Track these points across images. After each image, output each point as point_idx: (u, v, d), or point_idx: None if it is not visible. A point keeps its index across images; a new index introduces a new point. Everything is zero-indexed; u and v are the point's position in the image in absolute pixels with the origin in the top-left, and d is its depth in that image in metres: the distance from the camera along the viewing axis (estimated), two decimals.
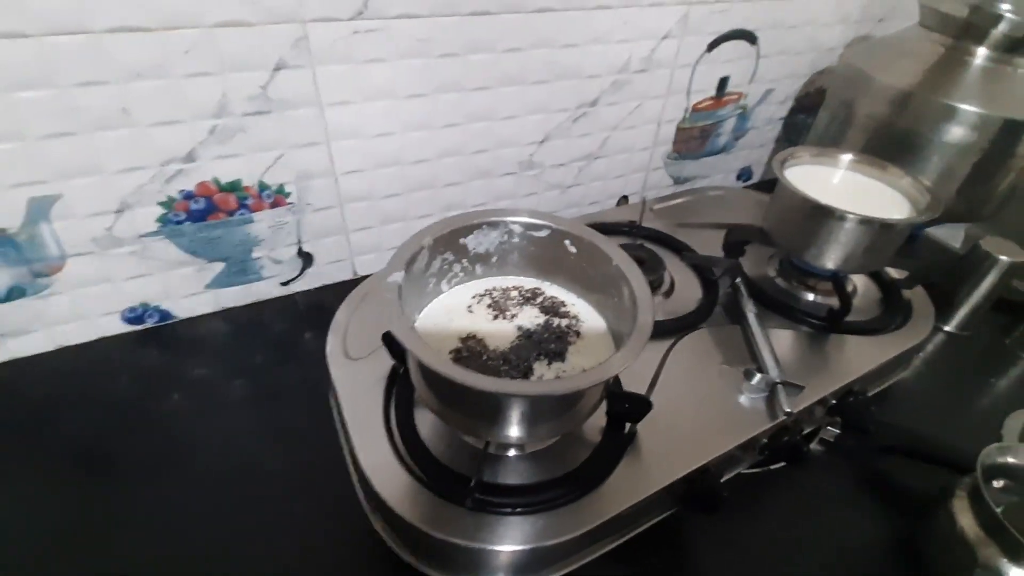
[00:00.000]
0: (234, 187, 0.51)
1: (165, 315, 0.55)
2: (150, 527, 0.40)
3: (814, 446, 0.48)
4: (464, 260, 0.41)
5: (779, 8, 0.68)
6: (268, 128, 0.49)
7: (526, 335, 0.39)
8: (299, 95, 0.48)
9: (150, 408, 0.48)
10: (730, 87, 0.72)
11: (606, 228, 0.63)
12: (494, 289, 0.43)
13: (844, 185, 0.56)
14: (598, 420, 0.40)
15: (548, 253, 0.42)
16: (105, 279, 0.50)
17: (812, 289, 0.56)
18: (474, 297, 0.42)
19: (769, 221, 0.56)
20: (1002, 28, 0.58)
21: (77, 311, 0.51)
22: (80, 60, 0.40)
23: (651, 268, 0.54)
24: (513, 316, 0.40)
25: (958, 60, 0.60)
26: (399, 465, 0.38)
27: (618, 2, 0.57)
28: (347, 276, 0.63)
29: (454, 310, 0.40)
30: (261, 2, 0.43)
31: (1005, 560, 0.35)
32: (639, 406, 0.38)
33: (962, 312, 0.61)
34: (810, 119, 0.84)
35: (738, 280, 0.54)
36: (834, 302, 0.54)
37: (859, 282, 0.59)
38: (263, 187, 0.52)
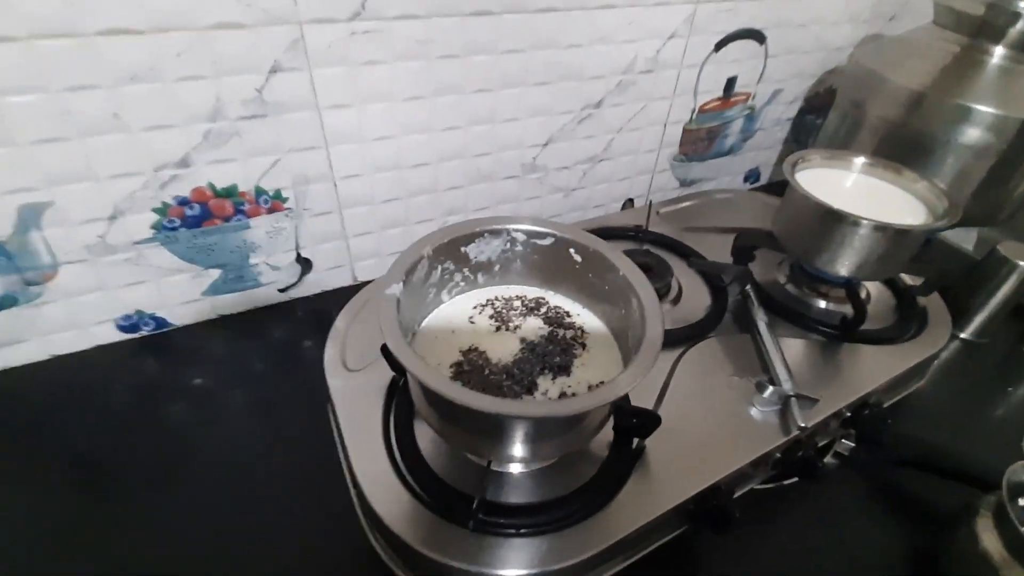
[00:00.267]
0: (230, 192, 0.50)
1: (161, 323, 0.54)
2: (145, 540, 0.39)
3: (828, 459, 0.47)
4: (465, 269, 0.40)
5: (787, 6, 0.67)
6: (264, 132, 0.48)
7: (530, 347, 0.37)
8: (296, 98, 0.47)
9: (145, 418, 0.47)
10: (738, 87, 0.71)
11: (611, 232, 0.61)
12: (496, 298, 0.41)
13: (857, 189, 0.54)
14: (605, 434, 0.38)
15: (552, 261, 0.40)
16: (99, 287, 0.49)
17: (824, 296, 0.55)
18: (476, 307, 0.41)
19: (779, 226, 0.54)
20: (1020, 27, 0.56)
21: (71, 320, 0.50)
22: (70, 63, 0.39)
23: (658, 275, 0.52)
24: (516, 327, 0.39)
25: (974, 60, 0.59)
26: (398, 482, 0.36)
27: (623, 1, 0.55)
28: (347, 282, 0.62)
29: (455, 321, 0.39)
30: (256, 3, 0.42)
31: None
32: (648, 421, 0.37)
33: (979, 319, 0.60)
34: (819, 120, 0.83)
35: (748, 287, 0.52)
36: (847, 309, 0.52)
37: (872, 288, 0.57)
38: (260, 192, 0.51)
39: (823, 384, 0.46)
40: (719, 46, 0.65)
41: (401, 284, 0.33)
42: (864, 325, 0.49)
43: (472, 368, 0.35)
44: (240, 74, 0.44)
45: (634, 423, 0.37)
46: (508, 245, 0.40)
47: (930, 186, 0.51)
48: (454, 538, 0.33)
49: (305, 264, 0.58)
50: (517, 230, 0.39)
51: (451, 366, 0.36)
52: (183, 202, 0.48)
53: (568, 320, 0.40)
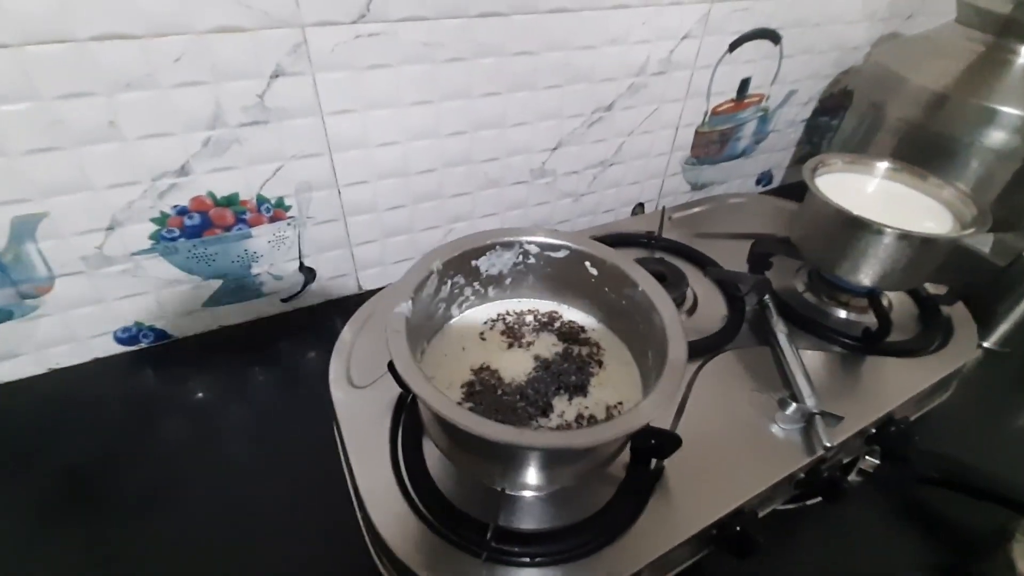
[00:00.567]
0: (230, 201, 0.48)
1: (160, 335, 0.53)
2: (143, 559, 0.38)
3: (852, 476, 0.45)
4: (476, 283, 0.38)
5: (803, 5, 0.65)
6: (266, 139, 0.46)
7: (544, 365, 0.36)
8: (298, 104, 0.45)
9: (144, 433, 0.46)
10: (751, 89, 0.69)
11: (623, 239, 0.59)
12: (507, 313, 0.40)
13: (880, 195, 0.52)
14: (622, 455, 0.37)
15: (566, 275, 0.39)
16: (96, 299, 0.48)
17: (844, 305, 0.53)
18: (486, 322, 0.39)
19: (798, 233, 0.53)
20: None
21: (68, 333, 0.49)
22: (63, 70, 0.37)
23: (673, 284, 0.50)
24: (529, 344, 0.37)
25: (999, 59, 0.57)
26: (407, 506, 0.35)
27: (636, 1, 0.54)
28: (351, 291, 0.60)
29: (466, 338, 0.37)
30: (256, 6, 0.40)
31: None
32: (667, 442, 0.35)
33: (1003, 327, 0.58)
34: (833, 121, 0.81)
35: (767, 297, 0.50)
36: (869, 319, 0.51)
37: (894, 297, 0.55)
38: (261, 200, 0.49)
39: (846, 399, 0.44)
40: (733, 46, 0.63)
41: (410, 303, 0.31)
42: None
43: (484, 388, 0.34)
44: (240, 79, 0.42)
45: (653, 444, 0.36)
46: (520, 258, 0.38)
47: (957, 192, 0.49)
48: (465, 568, 0.32)
49: (308, 273, 0.56)
50: (530, 242, 0.37)
51: (462, 386, 0.34)
52: (182, 212, 0.47)
53: (583, 336, 0.38)
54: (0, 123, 0.37)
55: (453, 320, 0.39)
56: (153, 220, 0.46)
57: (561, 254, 0.38)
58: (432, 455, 0.38)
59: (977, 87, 0.56)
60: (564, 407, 0.33)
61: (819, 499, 0.42)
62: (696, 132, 0.69)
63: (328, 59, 0.44)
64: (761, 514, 0.40)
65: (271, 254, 0.53)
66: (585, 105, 0.59)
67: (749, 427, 0.41)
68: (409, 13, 0.45)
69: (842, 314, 0.53)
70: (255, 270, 0.53)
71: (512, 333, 0.38)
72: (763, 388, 0.44)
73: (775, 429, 0.41)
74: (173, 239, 0.48)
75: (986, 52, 0.57)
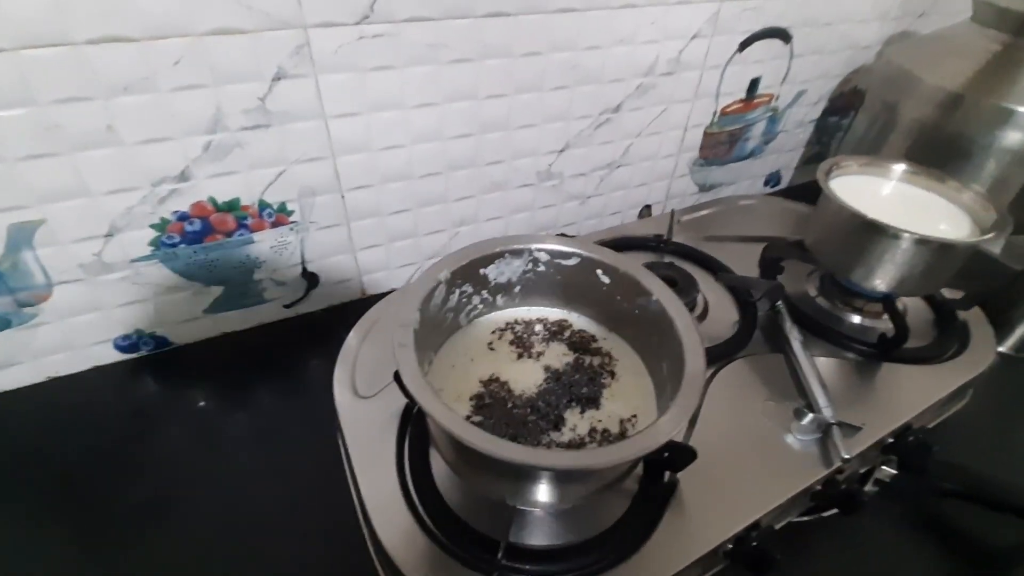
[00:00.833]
0: (232, 206, 0.47)
1: (161, 342, 0.52)
2: (143, 571, 0.37)
3: (868, 487, 0.44)
4: (484, 291, 0.37)
5: (813, 4, 0.63)
6: (268, 143, 0.45)
7: (554, 376, 0.35)
8: (301, 107, 0.44)
9: (145, 443, 0.45)
10: (761, 88, 0.68)
11: (631, 243, 0.58)
12: (516, 322, 0.39)
13: (896, 198, 0.51)
14: (635, 468, 0.36)
15: (576, 283, 0.38)
16: (95, 307, 0.47)
17: (859, 311, 0.52)
18: (495, 332, 0.38)
19: (812, 237, 0.51)
20: None
21: (67, 341, 0.48)
22: (60, 74, 0.36)
23: (684, 290, 0.49)
24: (539, 354, 0.36)
25: (1016, 59, 0.55)
26: (414, 522, 0.34)
27: (645, 0, 0.52)
28: (355, 296, 0.59)
29: (474, 349, 0.36)
30: (257, 7, 0.39)
31: None
32: (682, 455, 0.34)
33: (1019, 332, 0.57)
34: (843, 121, 0.80)
35: (779, 303, 0.49)
36: (884, 325, 0.49)
37: (908, 302, 0.54)
38: (263, 205, 0.48)
39: (862, 408, 0.43)
40: (743, 46, 0.62)
41: (418, 315, 0.30)
42: None
43: (494, 401, 0.33)
44: (241, 82, 0.41)
45: (666, 458, 0.35)
46: (530, 266, 0.37)
47: (976, 196, 0.48)
48: None
49: (311, 279, 0.55)
50: (540, 250, 0.36)
51: (471, 399, 0.33)
52: (183, 217, 0.46)
53: (594, 345, 0.37)
54: None
55: (461, 330, 0.38)
56: (153, 226, 0.45)
57: (572, 262, 0.37)
58: (440, 468, 0.37)
59: (993, 87, 0.55)
60: (576, 420, 0.32)
61: (835, 511, 0.41)
62: (705, 133, 0.68)
63: (331, 61, 0.43)
64: (776, 527, 0.39)
65: (273, 260, 0.52)
66: (592, 106, 0.58)
67: (764, 438, 0.40)
68: (414, 14, 0.44)
69: (856, 320, 0.51)
70: (257, 276, 0.52)
71: (521, 343, 0.37)
72: (777, 398, 0.43)
73: (791, 440, 0.40)
74: (173, 245, 0.47)
75: (1003, 51, 0.56)
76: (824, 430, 0.40)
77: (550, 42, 0.51)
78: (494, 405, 0.33)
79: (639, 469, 0.37)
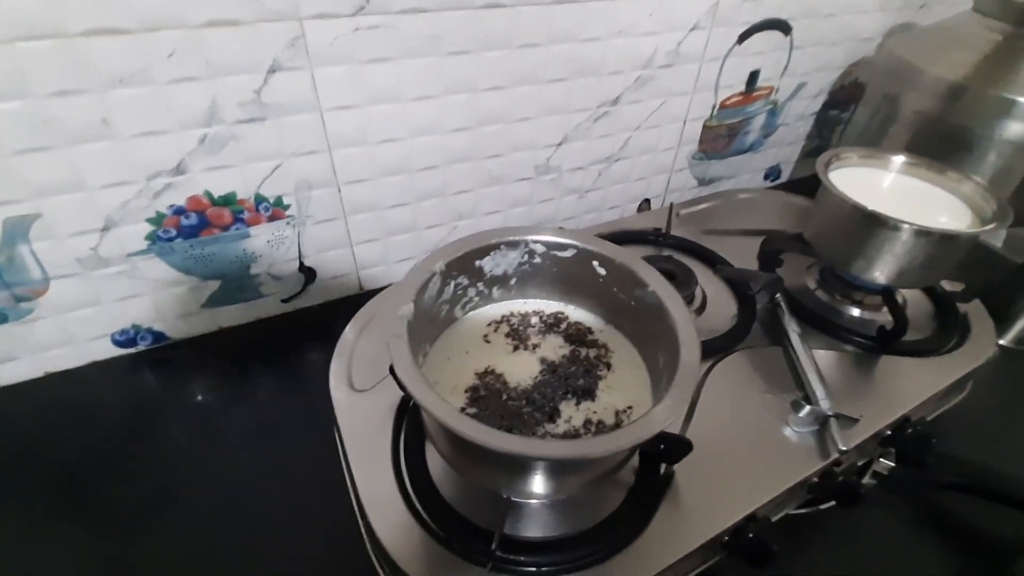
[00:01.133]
0: (228, 200, 0.47)
1: (159, 337, 0.52)
2: (141, 566, 0.37)
3: (866, 479, 0.44)
4: (480, 283, 0.37)
5: None
6: (263, 136, 0.45)
7: (550, 369, 0.35)
8: (297, 100, 0.44)
9: (143, 438, 0.45)
10: (760, 81, 0.67)
11: (631, 236, 0.58)
12: (512, 314, 0.39)
13: (896, 190, 0.51)
14: (631, 460, 0.36)
15: (573, 275, 0.38)
16: (92, 301, 0.47)
17: (858, 303, 0.51)
18: (490, 324, 0.38)
19: (811, 229, 0.51)
20: None
21: (64, 336, 0.48)
22: (54, 67, 0.36)
23: (682, 283, 0.49)
24: (535, 346, 0.36)
25: (1018, 49, 0.55)
26: (409, 515, 0.34)
27: None
28: (352, 291, 0.59)
29: (470, 341, 0.36)
30: None
31: None
32: (678, 447, 0.34)
33: (1019, 325, 0.56)
34: (844, 114, 0.79)
35: (778, 296, 0.49)
36: (883, 317, 0.49)
37: (908, 294, 0.54)
38: (260, 199, 0.48)
39: (861, 400, 0.42)
40: (743, 38, 0.61)
41: (412, 305, 0.30)
42: None
43: (489, 393, 0.33)
44: (236, 74, 0.41)
45: (663, 449, 0.35)
46: (526, 258, 0.37)
47: (976, 187, 0.48)
48: None
49: (308, 273, 0.55)
50: (536, 242, 0.36)
51: (466, 391, 0.33)
52: (179, 211, 0.46)
53: (591, 337, 0.37)
54: None
55: (456, 322, 0.38)
56: (149, 220, 0.45)
57: (568, 253, 0.37)
58: (435, 461, 0.37)
59: (995, 78, 0.54)
60: (572, 412, 0.32)
61: (833, 503, 0.41)
62: (704, 126, 0.68)
63: (327, 53, 0.43)
64: (773, 519, 0.39)
65: (270, 254, 0.52)
66: (591, 99, 0.57)
67: (761, 430, 0.40)
68: (411, 5, 0.44)
69: (855, 312, 0.51)
70: (254, 270, 0.52)
71: (517, 335, 0.37)
72: (775, 390, 0.43)
73: (788, 432, 0.40)
74: (170, 239, 0.47)
75: (1004, 42, 0.56)
76: (821, 422, 0.40)
77: (548, 34, 0.50)
78: (489, 397, 0.32)
79: (635, 461, 0.37)
